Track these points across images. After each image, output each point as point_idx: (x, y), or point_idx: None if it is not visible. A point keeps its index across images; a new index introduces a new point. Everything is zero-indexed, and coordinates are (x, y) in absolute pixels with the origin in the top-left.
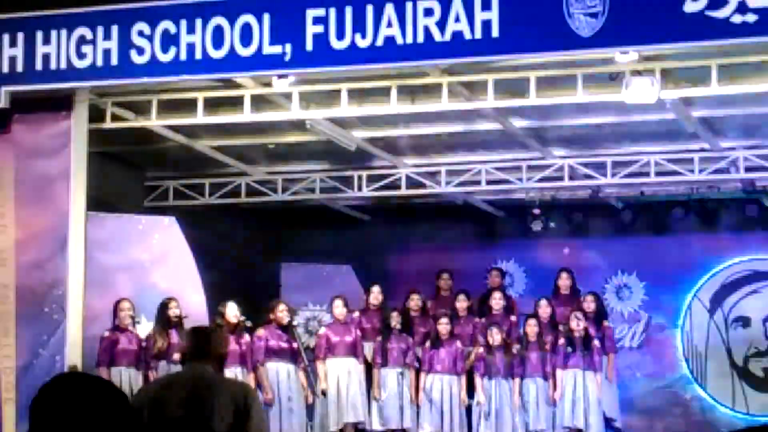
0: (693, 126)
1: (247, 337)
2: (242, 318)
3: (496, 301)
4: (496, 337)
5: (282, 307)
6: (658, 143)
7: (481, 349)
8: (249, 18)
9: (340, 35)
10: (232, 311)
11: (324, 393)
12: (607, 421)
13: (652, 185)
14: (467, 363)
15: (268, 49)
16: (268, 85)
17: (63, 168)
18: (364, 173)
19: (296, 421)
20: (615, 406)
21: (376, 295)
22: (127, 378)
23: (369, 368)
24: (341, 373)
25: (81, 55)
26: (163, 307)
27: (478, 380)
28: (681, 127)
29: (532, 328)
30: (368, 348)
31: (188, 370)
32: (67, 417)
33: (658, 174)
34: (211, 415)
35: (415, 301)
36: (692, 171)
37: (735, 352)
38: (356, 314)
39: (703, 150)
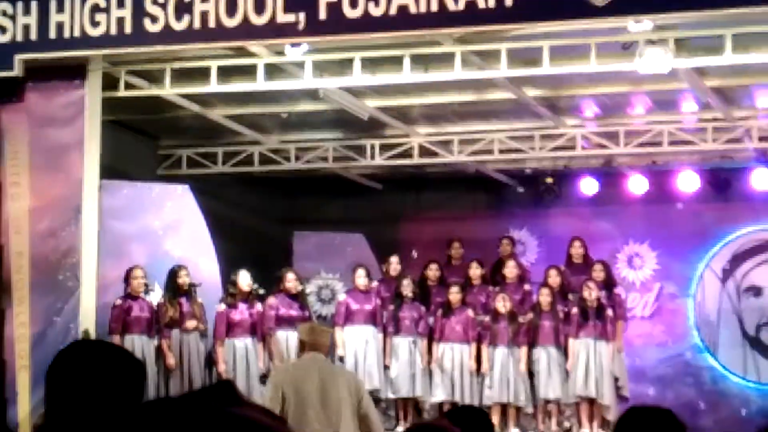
0: (706, 95)
1: (259, 306)
2: (254, 286)
3: (510, 270)
4: (506, 304)
5: (291, 275)
6: (669, 112)
7: (487, 318)
8: None
9: (354, 3)
10: (245, 279)
11: (342, 360)
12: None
13: (664, 154)
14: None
15: (282, 18)
16: (282, 53)
17: (77, 136)
18: (377, 142)
19: None
20: (623, 374)
21: (394, 266)
22: (139, 346)
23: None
24: (359, 342)
25: (95, 23)
26: (173, 274)
27: (483, 349)
28: (694, 97)
29: (545, 297)
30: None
31: (313, 359)
32: (83, 383)
33: (671, 143)
34: (338, 396)
35: (433, 271)
36: (705, 140)
37: (747, 322)
38: (375, 283)
39: (716, 119)
